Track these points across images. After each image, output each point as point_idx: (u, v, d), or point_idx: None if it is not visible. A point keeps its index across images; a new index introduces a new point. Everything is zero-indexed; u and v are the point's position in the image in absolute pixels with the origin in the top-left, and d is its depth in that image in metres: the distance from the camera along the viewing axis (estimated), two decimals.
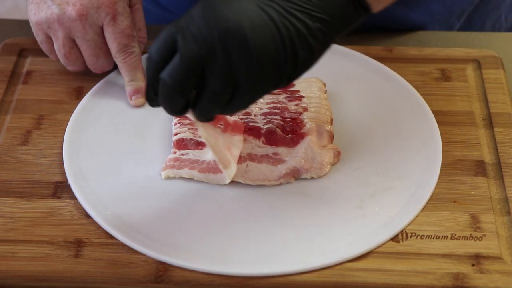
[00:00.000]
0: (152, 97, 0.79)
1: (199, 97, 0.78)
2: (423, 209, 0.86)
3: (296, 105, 0.95)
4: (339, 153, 0.92)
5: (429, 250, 0.82)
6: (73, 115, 0.97)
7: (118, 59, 0.99)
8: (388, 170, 0.90)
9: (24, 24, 1.08)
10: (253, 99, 0.79)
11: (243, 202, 0.87)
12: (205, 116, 0.81)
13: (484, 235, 0.84)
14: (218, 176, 0.89)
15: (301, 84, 0.98)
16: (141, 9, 1.02)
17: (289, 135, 0.92)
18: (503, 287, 0.79)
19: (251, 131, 0.92)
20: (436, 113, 0.97)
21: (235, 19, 0.74)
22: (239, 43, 0.74)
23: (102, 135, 0.95)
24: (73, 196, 0.88)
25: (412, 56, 1.06)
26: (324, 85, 0.99)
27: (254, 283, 0.80)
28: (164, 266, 0.81)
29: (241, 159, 0.89)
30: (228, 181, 0.88)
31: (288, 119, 0.93)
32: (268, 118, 0.93)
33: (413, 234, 0.84)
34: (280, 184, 0.89)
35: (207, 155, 0.90)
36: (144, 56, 1.00)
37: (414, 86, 1.01)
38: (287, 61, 0.77)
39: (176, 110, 0.79)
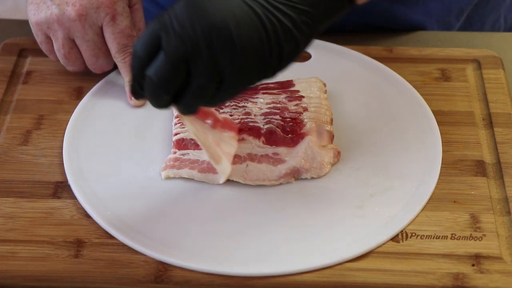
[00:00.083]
0: (138, 91, 0.80)
1: (184, 92, 0.78)
2: (423, 209, 0.86)
3: (296, 105, 0.95)
4: (339, 153, 0.92)
5: (429, 250, 0.82)
6: (73, 115, 0.97)
7: (117, 59, 0.99)
8: (388, 170, 0.90)
9: (24, 24, 1.08)
10: (238, 92, 0.80)
11: (243, 202, 0.87)
12: (189, 110, 0.81)
13: (484, 235, 0.84)
14: (218, 176, 0.89)
15: (301, 84, 0.99)
16: (141, 9, 1.02)
17: (289, 135, 0.92)
18: (503, 287, 0.79)
19: (251, 131, 0.92)
20: (436, 113, 0.97)
21: (219, 15, 0.74)
22: (224, 39, 0.75)
23: (102, 135, 0.95)
24: (73, 196, 0.88)
25: (412, 56, 1.06)
26: (324, 85, 0.99)
27: (254, 283, 0.80)
28: (164, 266, 0.81)
29: (241, 159, 0.89)
30: (223, 180, 0.88)
31: (288, 119, 0.93)
32: (268, 118, 0.93)
33: (413, 234, 0.84)
34: (280, 184, 0.89)
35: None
36: None
37: (414, 86, 1.01)
38: (272, 55, 0.77)
39: (162, 105, 0.80)
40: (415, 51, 1.07)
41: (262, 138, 0.91)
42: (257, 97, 0.97)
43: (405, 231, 0.84)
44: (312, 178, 0.90)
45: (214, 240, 0.83)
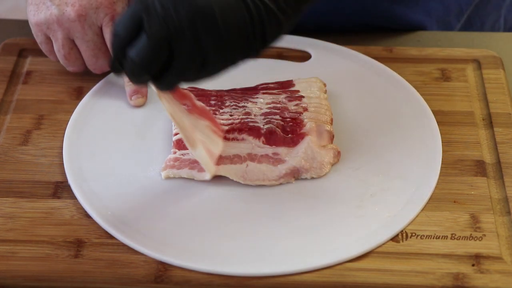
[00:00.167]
0: (118, 69, 0.80)
1: (166, 71, 0.78)
2: (423, 209, 0.86)
3: (296, 105, 0.95)
4: (339, 153, 0.92)
5: (429, 250, 0.82)
6: (73, 115, 0.98)
7: None
8: (388, 170, 0.90)
9: (24, 24, 1.08)
10: (220, 71, 0.80)
11: (243, 202, 0.87)
12: (169, 88, 0.82)
13: (484, 235, 0.84)
14: (204, 173, 0.89)
15: (301, 84, 0.99)
16: None
17: (289, 135, 0.92)
18: (503, 287, 0.79)
19: (251, 131, 0.92)
20: (436, 113, 0.97)
21: None
22: (208, 20, 0.75)
23: (102, 135, 0.95)
24: (73, 196, 0.88)
25: (412, 56, 1.06)
26: (324, 85, 0.99)
27: (254, 283, 0.80)
28: (164, 266, 0.81)
29: (241, 159, 0.89)
30: (208, 176, 0.88)
31: (288, 119, 0.93)
32: (268, 118, 0.93)
33: (413, 234, 0.84)
34: (280, 184, 0.89)
35: None
36: None
37: (414, 86, 1.01)
38: (255, 36, 0.78)
39: (141, 82, 0.80)
40: (415, 51, 1.07)
41: (262, 138, 0.91)
42: (257, 97, 0.97)
43: (405, 231, 0.84)
44: (312, 178, 0.90)
45: (214, 240, 0.83)
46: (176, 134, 0.93)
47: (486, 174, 0.90)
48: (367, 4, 1.12)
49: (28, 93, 1.02)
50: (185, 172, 0.89)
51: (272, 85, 0.99)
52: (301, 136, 0.91)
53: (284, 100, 0.96)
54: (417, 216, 0.85)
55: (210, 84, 0.99)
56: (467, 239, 0.83)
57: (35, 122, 0.97)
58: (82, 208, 0.87)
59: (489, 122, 0.97)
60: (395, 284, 0.80)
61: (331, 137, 0.93)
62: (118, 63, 0.79)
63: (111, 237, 0.84)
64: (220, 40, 0.76)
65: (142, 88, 0.99)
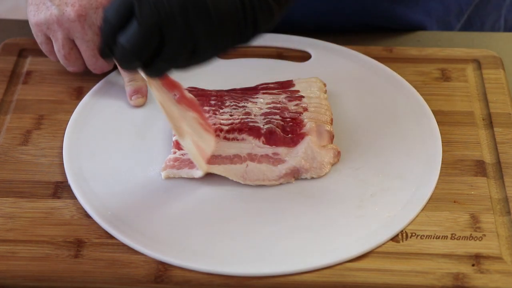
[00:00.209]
0: (108, 55, 0.80)
1: (156, 58, 0.78)
2: (423, 209, 0.86)
3: (296, 105, 0.95)
4: (339, 153, 0.92)
5: (429, 250, 0.82)
6: (73, 115, 0.98)
7: None
8: (388, 170, 0.90)
9: (24, 24, 1.08)
10: (211, 58, 0.80)
11: (243, 202, 0.87)
12: (159, 74, 0.82)
13: (484, 235, 0.84)
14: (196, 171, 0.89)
15: (301, 84, 0.99)
16: None
17: (289, 135, 0.92)
18: (503, 287, 0.79)
19: (251, 131, 0.92)
20: (436, 113, 0.97)
21: None
22: (199, 8, 0.76)
23: (102, 135, 0.95)
24: (73, 196, 0.88)
25: (412, 56, 1.06)
26: (324, 85, 0.99)
27: (254, 283, 0.80)
28: (164, 266, 0.81)
29: (241, 159, 0.89)
30: (199, 174, 0.87)
31: (288, 119, 0.93)
32: (268, 118, 0.93)
33: (413, 234, 0.84)
34: (280, 184, 0.89)
35: None
36: None
37: (414, 86, 1.01)
38: (246, 22, 0.78)
39: (131, 68, 0.80)
40: (415, 51, 1.07)
41: (262, 138, 0.91)
42: (257, 97, 0.97)
43: (405, 231, 0.84)
44: (312, 178, 0.90)
45: (214, 240, 0.83)
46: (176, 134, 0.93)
47: (486, 174, 0.90)
48: (367, 4, 1.12)
49: (28, 93, 1.02)
50: (185, 172, 0.89)
51: (272, 85, 0.99)
52: (301, 136, 0.91)
53: (284, 100, 0.96)
54: (417, 216, 0.85)
55: (210, 84, 0.99)
56: (467, 239, 0.83)
57: (35, 122, 0.97)
58: (82, 208, 0.87)
59: (489, 122, 0.97)
60: (395, 284, 0.80)
61: (331, 137, 0.93)
62: (108, 49, 0.79)
63: (111, 237, 0.84)
64: (212, 26, 0.76)
65: (142, 88, 0.99)
